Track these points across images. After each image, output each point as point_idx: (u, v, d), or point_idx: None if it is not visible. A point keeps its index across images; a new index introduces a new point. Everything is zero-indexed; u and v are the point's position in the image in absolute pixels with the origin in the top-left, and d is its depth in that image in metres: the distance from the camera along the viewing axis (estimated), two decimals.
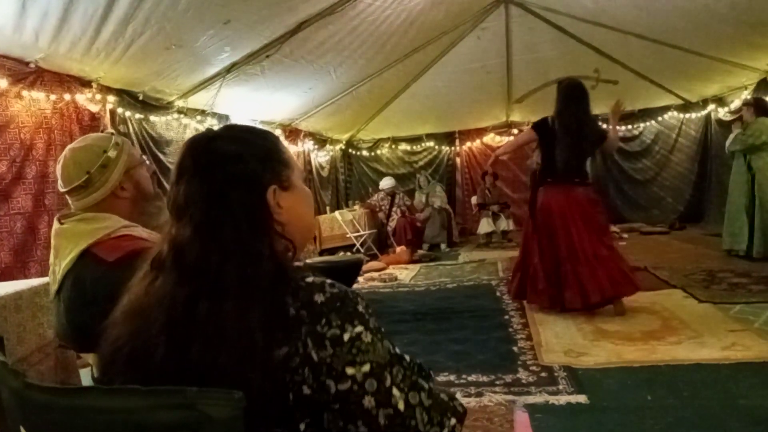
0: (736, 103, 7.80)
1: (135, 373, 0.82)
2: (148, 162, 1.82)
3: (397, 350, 0.86)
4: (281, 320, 0.80)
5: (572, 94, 4.39)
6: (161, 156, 5.45)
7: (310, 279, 0.86)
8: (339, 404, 0.79)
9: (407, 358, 0.87)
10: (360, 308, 0.85)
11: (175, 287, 0.84)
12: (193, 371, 0.78)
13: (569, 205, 4.27)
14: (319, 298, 0.83)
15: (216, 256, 0.83)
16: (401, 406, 0.81)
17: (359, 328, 0.82)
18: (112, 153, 1.52)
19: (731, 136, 6.05)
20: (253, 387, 0.75)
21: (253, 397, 0.75)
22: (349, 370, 0.80)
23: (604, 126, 5.22)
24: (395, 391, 0.81)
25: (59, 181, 1.53)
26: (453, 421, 0.86)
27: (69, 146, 1.55)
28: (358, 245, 8.43)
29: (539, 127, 4.50)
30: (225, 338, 0.78)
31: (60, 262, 1.46)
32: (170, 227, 0.90)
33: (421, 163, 10.88)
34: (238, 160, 0.91)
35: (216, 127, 1.03)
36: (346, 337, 0.81)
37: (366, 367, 0.80)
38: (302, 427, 0.80)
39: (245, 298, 0.81)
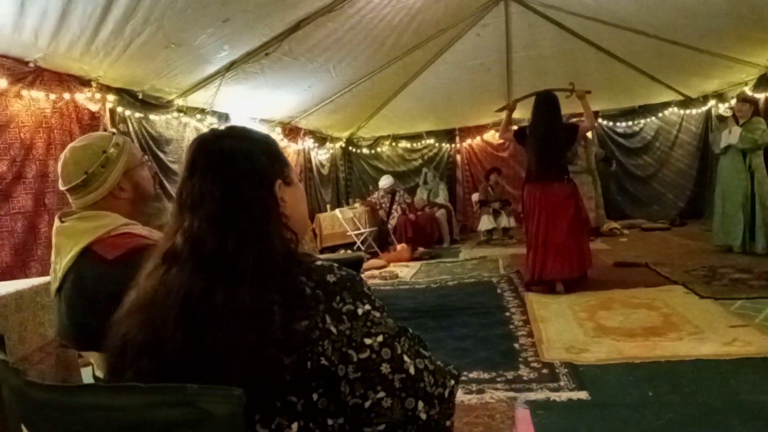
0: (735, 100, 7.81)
1: (149, 362, 0.85)
2: (150, 163, 1.82)
3: (399, 324, 0.96)
4: (299, 298, 0.87)
5: (542, 107, 5.09)
6: (161, 155, 5.45)
7: (319, 262, 0.95)
8: (360, 372, 0.87)
9: (409, 330, 0.97)
10: (366, 290, 0.95)
11: (191, 277, 0.88)
12: (211, 354, 0.82)
13: (545, 200, 5.04)
14: (330, 278, 0.91)
15: (233, 243, 0.89)
16: (412, 370, 0.91)
17: (368, 306, 0.92)
18: (111, 153, 1.52)
19: (728, 133, 6.02)
20: (270, 359, 0.82)
21: (271, 368, 0.81)
22: (367, 341, 0.88)
23: (577, 119, 5.95)
24: (406, 358, 0.91)
25: (59, 180, 1.53)
26: (452, 381, 0.97)
27: (70, 145, 1.56)
28: (358, 243, 8.43)
29: (518, 133, 5.36)
30: (241, 317, 0.84)
31: (61, 260, 1.46)
32: (182, 222, 0.94)
33: (421, 160, 10.86)
34: (249, 156, 0.98)
35: (215, 126, 1.06)
36: (360, 312, 0.90)
37: (380, 338, 0.89)
38: (315, 396, 0.86)
39: (261, 279, 0.87)
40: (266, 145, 1.05)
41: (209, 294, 0.86)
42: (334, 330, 0.86)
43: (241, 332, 0.82)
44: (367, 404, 0.87)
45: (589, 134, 9.60)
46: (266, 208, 0.95)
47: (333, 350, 0.86)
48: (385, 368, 0.88)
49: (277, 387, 0.82)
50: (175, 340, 0.84)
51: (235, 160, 0.96)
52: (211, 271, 0.88)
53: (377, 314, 0.92)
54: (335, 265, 0.95)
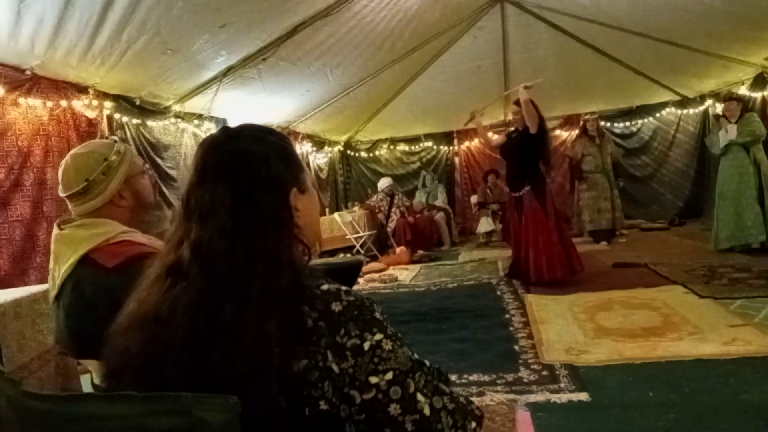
0: None
1: (148, 384, 0.80)
2: (150, 171, 1.82)
3: (416, 356, 0.86)
4: (299, 332, 0.80)
5: None
6: (159, 161, 5.45)
7: (325, 287, 0.86)
8: (365, 414, 0.79)
9: (427, 363, 0.87)
10: (377, 315, 0.85)
11: (200, 296, 0.82)
12: (211, 381, 0.77)
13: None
14: (336, 307, 0.83)
15: (242, 261, 0.83)
16: (427, 411, 0.81)
17: (378, 336, 0.82)
18: (113, 161, 1.52)
19: (724, 133, 6.03)
20: (269, 398, 0.76)
21: (269, 408, 0.76)
22: (373, 379, 0.80)
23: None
24: (420, 397, 0.81)
25: (60, 186, 1.53)
26: (473, 424, 0.86)
27: (71, 152, 1.56)
28: (357, 246, 8.43)
29: (543, 127, 5.35)
30: (243, 347, 0.78)
31: (59, 268, 1.46)
32: (189, 231, 0.87)
33: (419, 163, 10.87)
34: (264, 161, 0.91)
35: (213, 132, 1.02)
36: (366, 346, 0.81)
37: (389, 375, 0.80)
38: None
39: (265, 306, 0.80)
40: (282, 148, 0.97)
41: (217, 317, 0.80)
42: (335, 369, 0.79)
43: (242, 365, 0.77)
44: None
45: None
46: (279, 222, 0.88)
47: (334, 391, 0.78)
48: (394, 409, 0.79)
49: (274, 429, 0.77)
50: (180, 363, 0.79)
51: (250, 165, 0.89)
52: (220, 290, 0.82)
53: (388, 346, 0.82)
54: (343, 289, 0.86)
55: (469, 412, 0.87)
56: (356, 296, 0.86)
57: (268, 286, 0.82)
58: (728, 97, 6.33)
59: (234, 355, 0.78)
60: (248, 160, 0.90)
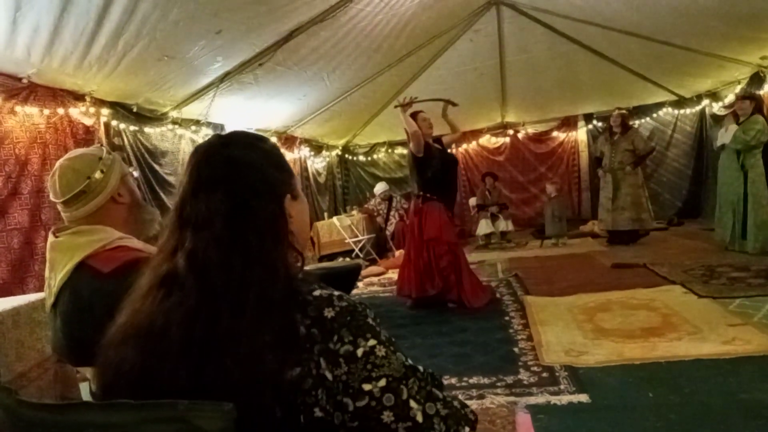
0: (730, 98, 7.80)
1: (144, 397, 0.79)
2: (136, 174, 1.85)
3: (410, 361, 0.86)
4: (292, 340, 0.80)
5: None
6: (157, 167, 5.46)
7: (317, 293, 0.86)
8: (358, 422, 0.79)
9: (420, 368, 0.86)
10: (370, 320, 0.85)
11: (197, 307, 0.82)
12: (206, 393, 0.77)
13: None
14: (329, 313, 0.83)
15: (238, 270, 0.83)
16: (420, 417, 0.81)
17: (372, 342, 0.83)
18: (107, 159, 1.54)
19: (724, 131, 6.04)
20: (264, 407, 0.76)
21: (264, 417, 0.76)
22: (366, 387, 0.80)
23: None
24: (413, 404, 0.81)
25: (56, 192, 1.52)
26: (467, 429, 0.86)
27: (61, 160, 1.56)
28: (356, 250, 8.42)
29: None
30: (238, 358, 0.78)
31: (55, 276, 1.45)
32: (183, 240, 0.87)
33: None
34: (258, 169, 0.91)
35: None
36: (359, 352, 0.81)
37: (382, 382, 0.80)
38: None
39: (260, 316, 0.80)
40: (274, 155, 0.98)
41: (212, 329, 0.80)
42: (329, 376, 0.79)
43: (237, 375, 0.77)
44: None
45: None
46: (276, 230, 0.88)
47: (328, 398, 0.79)
48: (387, 417, 0.79)
49: None
50: (176, 376, 0.79)
51: (245, 174, 0.89)
52: (215, 302, 0.82)
53: (382, 352, 0.82)
54: (335, 294, 0.86)
55: (462, 416, 0.87)
56: (348, 301, 0.86)
57: (264, 295, 0.82)
58: (741, 95, 6.30)
59: (229, 366, 0.78)
60: (243, 169, 0.89)
